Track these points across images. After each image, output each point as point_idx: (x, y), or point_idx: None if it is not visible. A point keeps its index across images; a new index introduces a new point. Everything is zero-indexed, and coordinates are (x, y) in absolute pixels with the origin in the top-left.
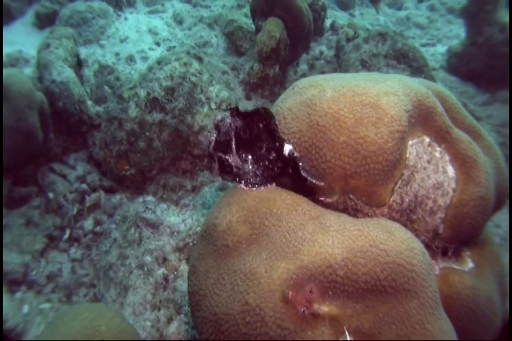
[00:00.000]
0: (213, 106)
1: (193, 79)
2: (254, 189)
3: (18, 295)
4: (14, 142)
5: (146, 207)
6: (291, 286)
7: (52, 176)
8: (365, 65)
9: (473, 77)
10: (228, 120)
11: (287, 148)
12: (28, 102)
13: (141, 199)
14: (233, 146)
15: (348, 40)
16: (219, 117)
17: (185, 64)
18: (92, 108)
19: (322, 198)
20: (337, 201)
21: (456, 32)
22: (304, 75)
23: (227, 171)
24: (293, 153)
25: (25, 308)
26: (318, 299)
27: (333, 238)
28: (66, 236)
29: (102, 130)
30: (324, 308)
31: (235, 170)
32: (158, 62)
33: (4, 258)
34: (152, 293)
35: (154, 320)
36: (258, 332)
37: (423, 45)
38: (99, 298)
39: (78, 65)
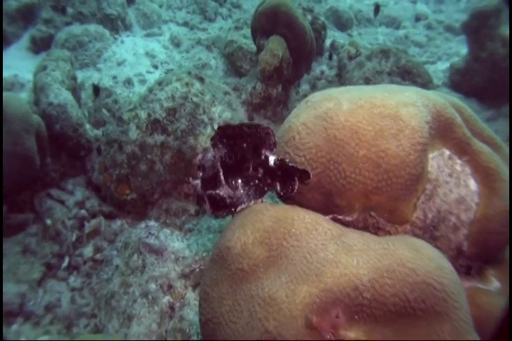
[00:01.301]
0: (216, 127)
1: (195, 99)
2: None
3: (15, 327)
4: (10, 166)
5: (149, 233)
6: (315, 311)
7: (50, 202)
8: (369, 83)
9: (477, 93)
10: (210, 154)
11: (271, 159)
12: (25, 125)
13: (143, 225)
14: (221, 177)
15: (350, 58)
16: (199, 156)
17: (186, 84)
18: (91, 131)
19: (341, 217)
20: (357, 219)
21: (456, 49)
22: (305, 95)
23: (220, 206)
24: (278, 160)
25: None
26: (344, 324)
27: (357, 258)
28: (65, 264)
29: (102, 153)
30: (351, 334)
31: (228, 200)
32: (159, 83)
33: None
34: (158, 323)
35: None
36: None
37: (423, 63)
38: (100, 328)
39: (95, 90)
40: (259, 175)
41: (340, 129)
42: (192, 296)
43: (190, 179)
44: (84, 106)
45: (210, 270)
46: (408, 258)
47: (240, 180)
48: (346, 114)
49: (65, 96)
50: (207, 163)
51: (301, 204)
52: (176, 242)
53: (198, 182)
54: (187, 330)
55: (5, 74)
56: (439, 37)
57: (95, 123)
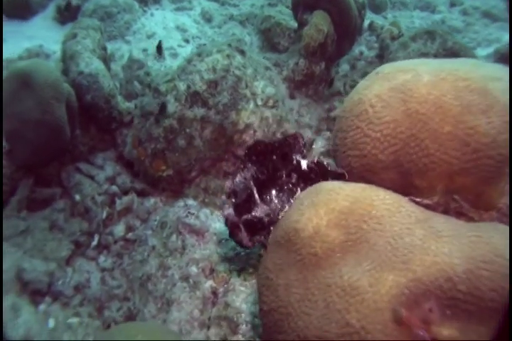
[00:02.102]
0: (259, 103)
1: (237, 72)
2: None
3: (42, 307)
4: (39, 136)
5: (189, 212)
6: (404, 304)
7: (79, 176)
8: None
9: None
10: (239, 177)
11: (304, 163)
12: (55, 93)
13: (181, 203)
14: (256, 196)
15: (393, 38)
16: (228, 183)
17: (227, 56)
18: (122, 103)
19: (419, 199)
20: (437, 202)
21: (496, 35)
22: (346, 76)
23: (258, 229)
24: (313, 163)
25: (51, 322)
26: (437, 320)
27: (448, 245)
28: (94, 242)
29: (135, 127)
30: (444, 332)
31: (266, 219)
32: (198, 54)
33: (26, 265)
34: (200, 309)
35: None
36: None
37: None
38: (134, 313)
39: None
40: (293, 181)
41: (422, 103)
42: (237, 281)
43: (221, 212)
44: (115, 78)
45: (273, 254)
46: (505, 248)
47: (273, 191)
48: (428, 86)
49: (97, 65)
50: (238, 186)
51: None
52: (217, 223)
53: (230, 210)
54: (234, 319)
55: (29, 44)
56: (477, 22)
57: (127, 95)
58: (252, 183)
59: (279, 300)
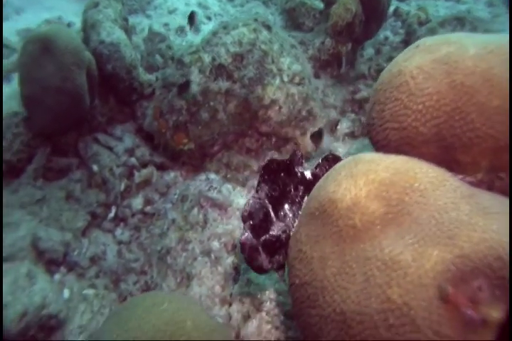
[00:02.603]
0: (285, 79)
1: (263, 47)
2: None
3: (57, 277)
4: (58, 103)
5: (211, 186)
6: (450, 281)
7: (97, 147)
8: None
9: None
10: (253, 199)
11: (307, 173)
12: (76, 60)
13: (203, 177)
14: (272, 214)
15: (421, 24)
16: (245, 207)
17: (254, 30)
18: (144, 75)
19: (461, 176)
20: (481, 180)
21: None
22: (370, 59)
23: (277, 248)
24: (316, 170)
25: (66, 293)
26: (487, 300)
27: (496, 222)
28: (111, 214)
29: (157, 98)
30: (494, 313)
31: (283, 236)
32: (224, 27)
33: (42, 234)
34: (221, 285)
35: (225, 316)
36: (407, 338)
37: None
38: (152, 287)
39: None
40: (301, 193)
41: (469, 75)
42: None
43: (238, 239)
44: (136, 50)
45: (306, 226)
46: None
47: (286, 205)
48: (474, 58)
49: (118, 34)
50: (254, 208)
51: None
52: (239, 198)
53: (248, 234)
54: (258, 295)
55: (48, 15)
56: (503, 14)
57: (147, 68)
58: (267, 202)
59: (313, 274)
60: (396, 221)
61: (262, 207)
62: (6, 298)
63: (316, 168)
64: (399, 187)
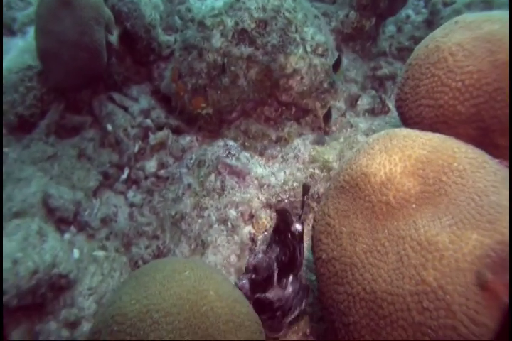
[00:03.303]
0: (309, 49)
1: (287, 15)
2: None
3: (67, 236)
4: (74, 58)
5: (229, 152)
6: (489, 267)
7: (112, 106)
8: None
9: None
10: (262, 254)
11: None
12: (96, 15)
13: (221, 143)
14: (275, 278)
15: (445, 4)
16: (252, 258)
17: None
18: (162, 36)
19: (498, 160)
20: None
21: None
22: (392, 37)
23: (265, 310)
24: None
25: (76, 253)
26: None
27: None
28: (124, 176)
29: (176, 60)
30: None
31: (276, 304)
32: None
33: (53, 191)
34: (237, 255)
35: None
36: (441, 323)
37: None
38: (164, 252)
39: None
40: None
41: None
42: None
43: (237, 281)
44: (155, 10)
45: (336, 200)
46: None
47: (291, 276)
48: None
49: None
50: (261, 263)
51: None
52: (258, 167)
53: (246, 283)
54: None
55: None
56: None
57: (166, 29)
58: (275, 265)
59: (341, 249)
60: (432, 200)
61: (269, 268)
62: (16, 254)
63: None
64: (436, 165)
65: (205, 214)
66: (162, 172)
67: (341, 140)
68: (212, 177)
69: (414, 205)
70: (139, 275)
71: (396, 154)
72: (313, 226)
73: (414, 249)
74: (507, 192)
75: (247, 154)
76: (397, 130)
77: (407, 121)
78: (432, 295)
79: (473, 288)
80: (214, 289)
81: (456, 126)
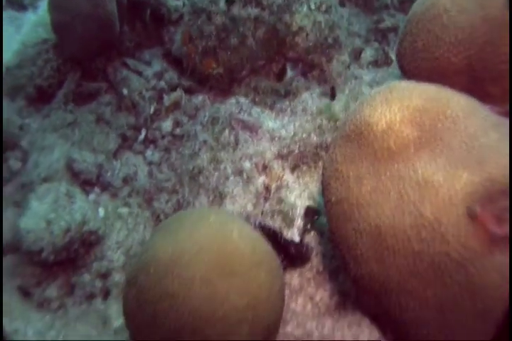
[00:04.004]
0: (313, 7)
1: None
2: None
3: (92, 197)
4: (88, 30)
5: (241, 109)
6: (478, 201)
7: (126, 72)
8: None
9: None
10: None
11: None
12: None
13: (233, 100)
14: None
15: None
16: None
17: None
18: (171, 1)
19: (489, 106)
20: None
21: None
22: None
23: None
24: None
25: (101, 211)
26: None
27: None
28: (142, 136)
29: (186, 23)
30: None
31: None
32: None
33: (76, 156)
34: (253, 203)
35: None
36: (436, 250)
37: None
38: (184, 205)
39: None
40: None
41: (503, 9)
42: (290, 179)
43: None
44: None
45: (342, 148)
46: None
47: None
48: None
49: None
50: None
51: None
52: (269, 121)
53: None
54: (289, 213)
55: None
56: None
57: None
58: None
59: (349, 191)
60: (429, 145)
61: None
62: (49, 215)
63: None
64: (432, 113)
65: (221, 167)
66: (178, 130)
67: (346, 92)
68: (227, 132)
69: (412, 150)
70: (168, 224)
71: (395, 105)
72: (322, 173)
73: (412, 188)
74: (495, 135)
75: (258, 109)
76: (396, 83)
77: (406, 73)
78: (429, 227)
79: (465, 219)
80: (237, 231)
81: (450, 76)
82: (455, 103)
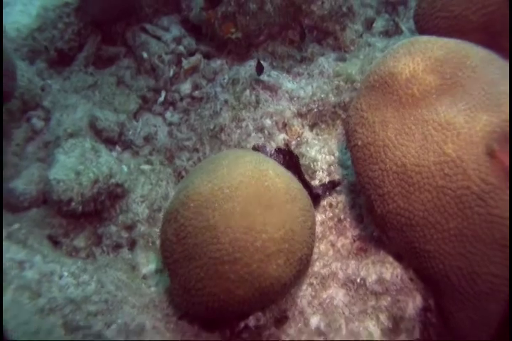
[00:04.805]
0: None
1: None
2: None
3: (114, 154)
4: None
5: None
6: (496, 140)
7: (145, 36)
8: None
9: None
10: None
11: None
12: None
13: (252, 62)
14: None
15: None
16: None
17: None
18: None
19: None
20: None
21: None
22: None
23: None
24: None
25: (124, 168)
26: None
27: None
28: (161, 98)
29: None
30: None
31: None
32: None
33: (98, 114)
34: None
35: None
36: (458, 185)
37: None
38: None
39: None
40: None
41: None
42: (309, 135)
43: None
44: None
45: (366, 97)
46: None
47: None
48: None
49: None
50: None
51: None
52: (287, 83)
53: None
54: (311, 166)
55: None
56: None
57: None
58: None
59: (375, 135)
60: (450, 91)
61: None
62: (78, 167)
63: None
64: (452, 63)
65: (243, 124)
66: (196, 93)
67: (361, 57)
68: (247, 92)
69: (434, 96)
70: (204, 165)
71: (418, 56)
72: (347, 121)
73: (436, 129)
74: None
75: (276, 72)
76: (418, 37)
77: (425, 32)
78: (451, 163)
79: (484, 156)
80: (272, 169)
81: (468, 33)
82: (474, 54)
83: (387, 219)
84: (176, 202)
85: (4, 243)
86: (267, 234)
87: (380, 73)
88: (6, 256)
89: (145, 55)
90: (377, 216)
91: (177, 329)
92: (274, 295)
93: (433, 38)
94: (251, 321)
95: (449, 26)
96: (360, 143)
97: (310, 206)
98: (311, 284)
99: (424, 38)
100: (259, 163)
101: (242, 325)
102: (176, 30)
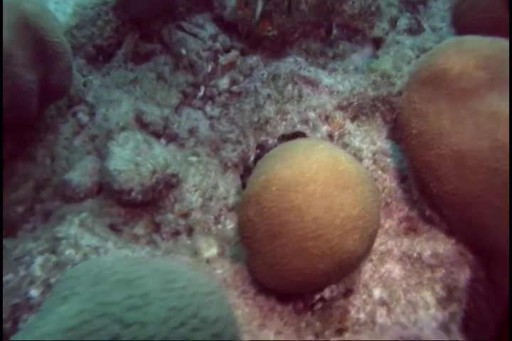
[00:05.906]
0: None
1: None
2: None
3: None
4: None
5: (300, 66)
6: None
7: (181, 34)
8: None
9: None
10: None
11: None
12: None
13: (291, 59)
14: None
15: None
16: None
17: None
18: None
19: None
20: None
21: None
22: None
23: None
24: None
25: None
26: None
27: None
28: (201, 93)
29: None
30: None
31: None
32: None
33: (144, 108)
34: None
35: None
36: (506, 169)
37: None
38: (249, 154)
39: None
40: None
41: None
42: (351, 127)
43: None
44: None
45: (417, 91)
46: None
47: None
48: None
49: None
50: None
51: None
52: (325, 78)
53: None
54: (356, 155)
55: None
56: None
57: None
58: None
59: (429, 124)
60: (498, 86)
61: None
62: (136, 158)
63: None
64: (499, 60)
65: (288, 117)
66: (234, 88)
67: (391, 53)
68: (290, 87)
69: (484, 89)
70: (279, 152)
71: (468, 54)
72: (399, 113)
73: (488, 118)
74: None
75: (313, 68)
76: (464, 37)
77: (465, 31)
78: (504, 148)
79: None
80: (343, 155)
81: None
82: None
83: (443, 198)
84: (256, 187)
85: (77, 230)
86: (344, 212)
87: (430, 69)
88: (81, 242)
89: (183, 51)
90: (433, 196)
91: (255, 304)
92: (350, 269)
93: (479, 38)
94: (326, 293)
95: (490, 26)
96: (414, 131)
97: (376, 188)
98: (371, 260)
99: (471, 37)
100: (331, 151)
101: (317, 297)
102: (211, 28)
